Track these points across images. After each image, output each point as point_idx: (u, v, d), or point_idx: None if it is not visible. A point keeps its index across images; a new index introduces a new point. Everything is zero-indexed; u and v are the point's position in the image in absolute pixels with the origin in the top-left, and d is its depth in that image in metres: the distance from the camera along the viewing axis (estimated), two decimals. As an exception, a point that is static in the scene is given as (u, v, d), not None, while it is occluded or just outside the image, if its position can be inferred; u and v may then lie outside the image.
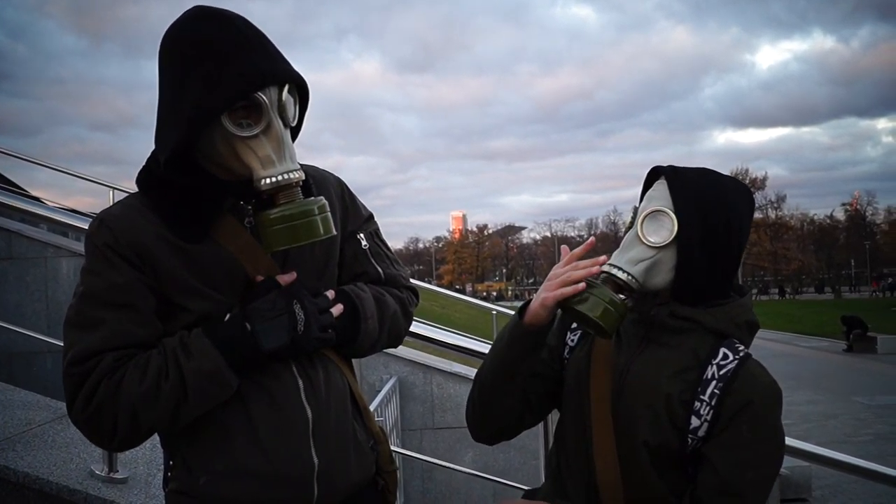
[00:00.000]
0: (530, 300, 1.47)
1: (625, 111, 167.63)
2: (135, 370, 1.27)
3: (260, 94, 1.26)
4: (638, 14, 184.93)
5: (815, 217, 77.94)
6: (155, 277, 1.32)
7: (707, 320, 1.47)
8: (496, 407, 1.57)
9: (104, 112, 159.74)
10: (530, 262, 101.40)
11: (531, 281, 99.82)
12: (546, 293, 1.42)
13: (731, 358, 1.45)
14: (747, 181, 63.26)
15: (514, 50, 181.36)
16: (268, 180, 1.27)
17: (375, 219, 1.61)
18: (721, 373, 1.43)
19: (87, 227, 1.41)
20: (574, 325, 1.62)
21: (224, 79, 1.24)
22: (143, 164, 1.39)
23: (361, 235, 1.55)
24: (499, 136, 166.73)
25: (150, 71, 1.36)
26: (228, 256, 1.35)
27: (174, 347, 1.29)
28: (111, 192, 6.29)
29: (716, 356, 1.45)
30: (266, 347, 1.30)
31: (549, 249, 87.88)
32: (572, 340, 1.62)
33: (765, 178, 65.11)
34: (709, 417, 1.42)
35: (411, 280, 1.67)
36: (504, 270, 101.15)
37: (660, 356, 1.48)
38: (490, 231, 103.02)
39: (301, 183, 1.31)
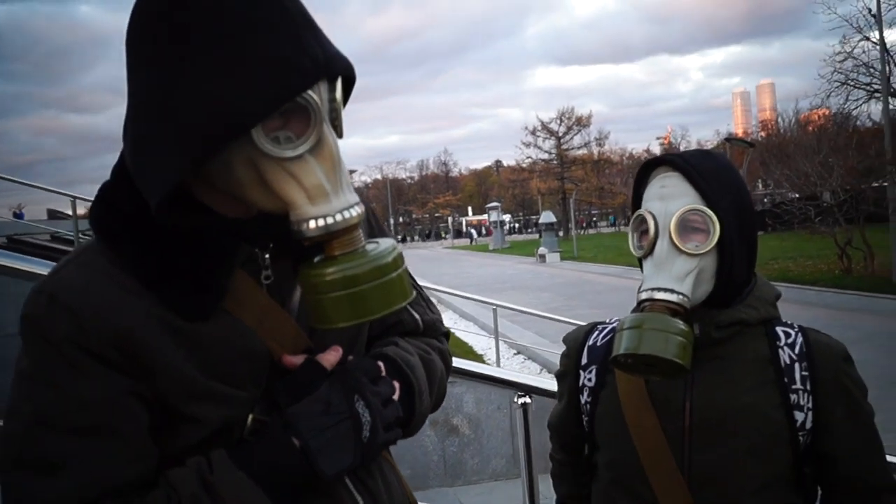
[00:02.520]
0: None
1: (453, 50, 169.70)
2: None
3: (310, 92, 0.83)
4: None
5: (634, 151, 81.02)
6: (149, 381, 0.89)
7: (752, 315, 1.32)
8: None
9: None
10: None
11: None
12: None
13: (792, 333, 1.34)
14: (573, 120, 64.28)
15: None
16: (319, 222, 0.85)
17: None
18: (796, 352, 1.31)
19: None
20: (585, 361, 1.43)
21: (258, 67, 0.80)
22: (97, 196, 0.94)
23: None
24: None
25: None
26: (246, 333, 0.94)
27: (193, 492, 0.86)
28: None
29: (778, 339, 1.33)
30: (329, 473, 0.91)
31: (381, 193, 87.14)
32: (590, 380, 1.42)
33: (590, 116, 65.76)
34: (810, 405, 1.28)
35: None
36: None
37: (723, 373, 1.31)
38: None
39: (361, 222, 0.90)
